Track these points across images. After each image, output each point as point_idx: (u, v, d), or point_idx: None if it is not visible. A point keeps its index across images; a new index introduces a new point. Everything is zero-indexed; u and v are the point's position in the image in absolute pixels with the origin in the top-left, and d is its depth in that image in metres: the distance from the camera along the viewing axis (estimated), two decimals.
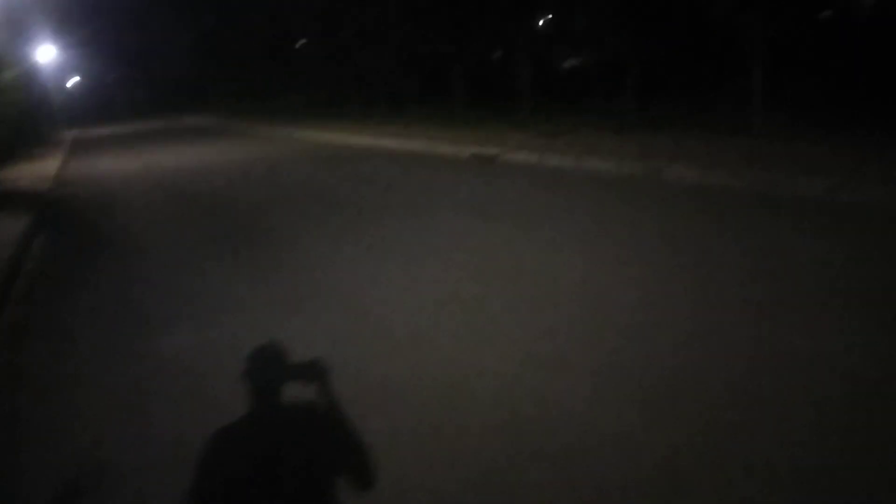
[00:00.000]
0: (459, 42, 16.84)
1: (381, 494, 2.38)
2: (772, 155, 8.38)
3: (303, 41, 31.85)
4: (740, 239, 5.50)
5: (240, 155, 16.94)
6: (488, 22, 16.09)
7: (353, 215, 7.68)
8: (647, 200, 7.36)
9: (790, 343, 3.37)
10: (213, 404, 3.14)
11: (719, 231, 5.86)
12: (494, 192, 8.57)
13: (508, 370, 3.33)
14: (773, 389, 2.92)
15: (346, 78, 24.19)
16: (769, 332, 3.53)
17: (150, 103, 58.06)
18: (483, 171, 10.48)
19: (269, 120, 29.80)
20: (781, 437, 2.54)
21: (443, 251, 5.81)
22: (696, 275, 4.61)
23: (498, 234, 6.30)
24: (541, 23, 16.77)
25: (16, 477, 2.77)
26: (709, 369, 3.17)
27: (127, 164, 17.02)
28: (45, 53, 37.68)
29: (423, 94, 20.12)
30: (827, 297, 4.00)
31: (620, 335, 3.66)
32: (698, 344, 3.46)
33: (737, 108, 10.71)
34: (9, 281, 5.85)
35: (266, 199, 9.27)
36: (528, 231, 6.33)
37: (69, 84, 52.65)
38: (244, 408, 2.97)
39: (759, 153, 8.57)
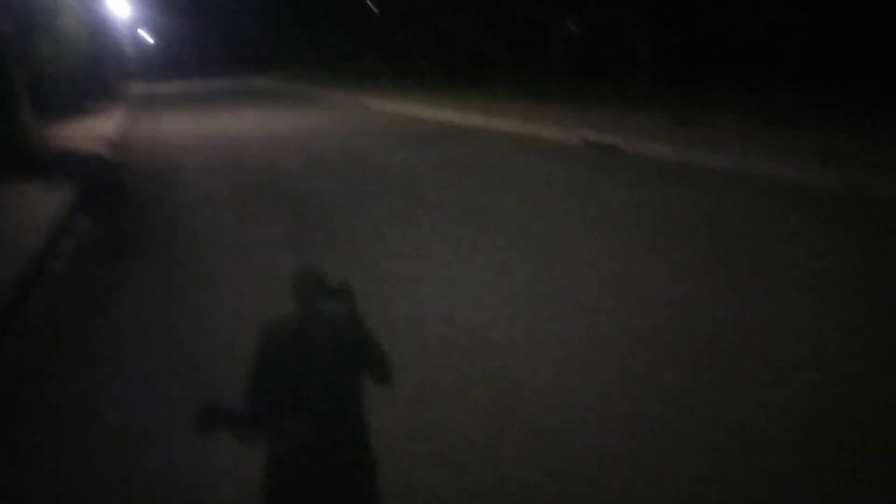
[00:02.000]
0: (560, 3, 14.70)
1: None
2: None
3: (371, 7, 30.15)
4: None
5: (311, 125, 15.38)
6: None
7: (462, 225, 5.95)
8: (876, 227, 5.40)
9: None
10: None
11: None
12: (635, 198, 6.70)
13: None
14: None
15: (425, 43, 22.31)
16: None
17: (220, 61, 57.50)
18: (604, 165, 8.60)
19: (342, 85, 28.28)
20: None
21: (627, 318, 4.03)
22: None
23: (684, 276, 4.47)
24: None
25: None
26: None
27: (191, 127, 15.68)
28: (118, 6, 36.90)
29: (514, 63, 18.06)
30: None
31: None
32: None
33: None
34: (22, 295, 4.34)
35: (347, 190, 7.62)
36: (720, 272, 4.48)
37: (140, 37, 52.28)
38: None
39: None
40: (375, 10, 31.29)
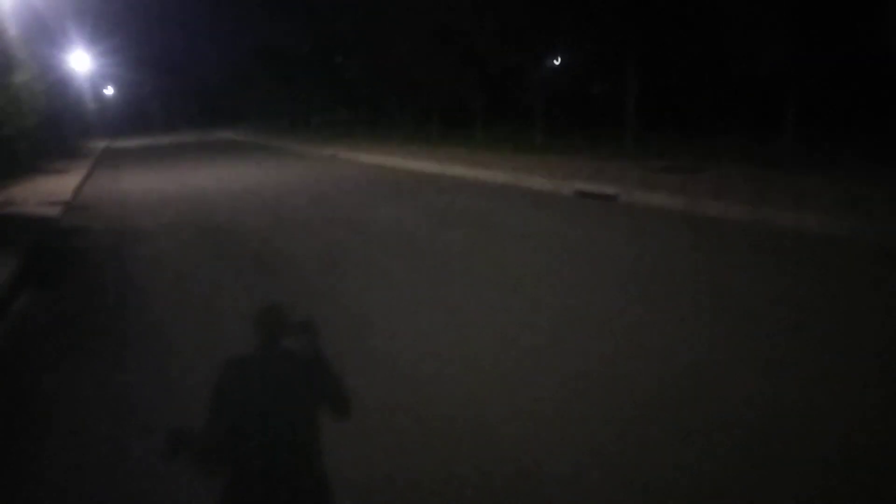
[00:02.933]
0: (535, 48, 14.32)
1: None
2: None
3: (340, 59, 29.83)
4: None
5: (284, 178, 14.62)
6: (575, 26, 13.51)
7: (471, 289, 5.19)
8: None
9: None
10: None
11: None
12: (645, 252, 6.03)
13: None
14: None
15: (398, 91, 21.87)
16: None
17: (185, 115, 56.81)
18: (603, 215, 7.98)
19: (313, 137, 27.71)
20: None
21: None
22: None
23: (729, 357, 3.74)
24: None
25: None
26: None
27: (157, 183, 14.79)
28: (79, 61, 36.05)
29: (490, 110, 17.62)
30: None
31: None
32: None
33: None
34: None
35: (331, 254, 6.83)
36: (781, 347, 3.76)
37: (101, 92, 51.39)
38: None
39: None
40: (340, 59, 31.03)
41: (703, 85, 13.40)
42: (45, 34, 23.60)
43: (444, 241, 6.92)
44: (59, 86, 24.53)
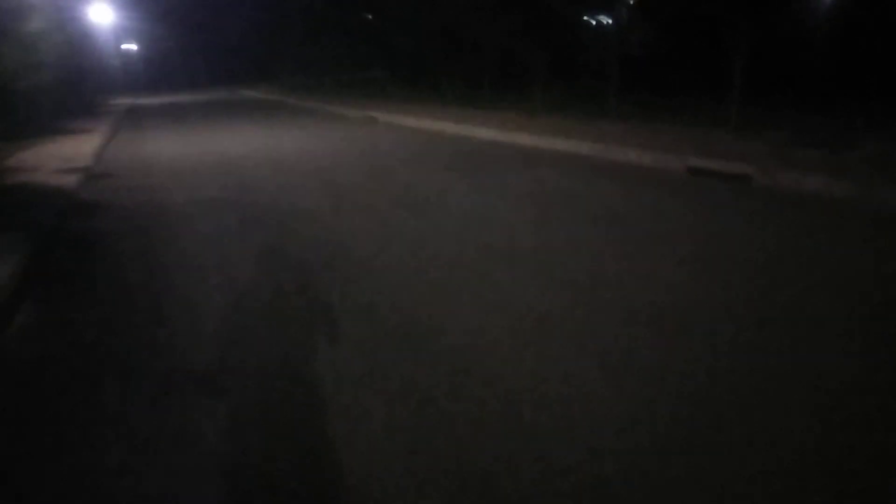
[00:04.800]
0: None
1: None
2: None
3: (369, 15, 27.86)
4: None
5: (327, 145, 13.06)
6: None
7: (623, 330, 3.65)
8: None
9: None
10: None
11: None
12: (857, 273, 4.41)
13: None
14: None
15: (440, 48, 20.04)
16: None
17: (209, 73, 55.17)
18: (744, 205, 6.40)
19: (345, 97, 26.00)
20: None
21: None
22: None
23: None
24: None
25: None
26: None
27: (183, 150, 13.30)
28: (101, 13, 34.46)
29: (553, 72, 15.78)
30: None
31: None
32: None
33: None
34: None
35: (421, 252, 5.32)
36: None
37: (124, 47, 49.78)
38: None
39: None
40: (369, 16, 29.07)
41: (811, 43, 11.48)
42: None
43: (562, 244, 5.35)
44: (80, 39, 22.99)
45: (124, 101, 34.85)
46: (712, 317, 3.61)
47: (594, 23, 14.48)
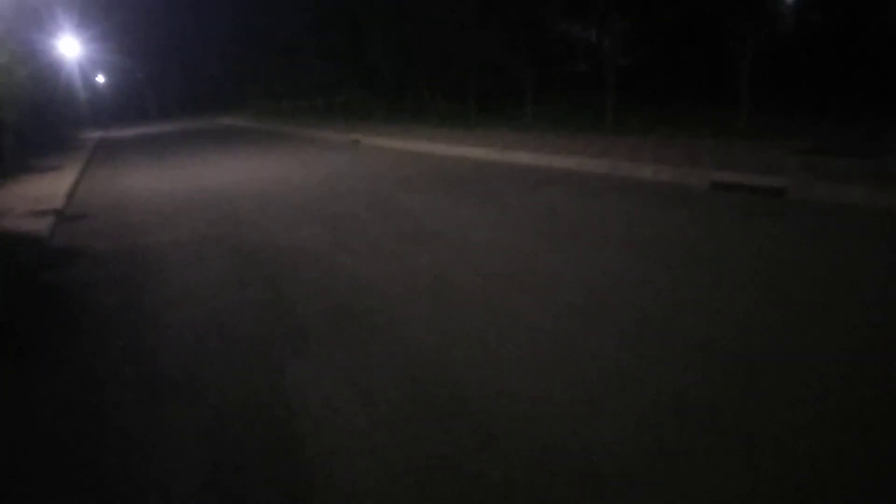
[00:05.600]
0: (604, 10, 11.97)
1: None
2: None
3: (339, 37, 27.23)
4: None
5: (314, 173, 12.41)
6: None
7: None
8: None
9: None
10: None
11: None
12: None
13: None
14: None
15: (425, 69, 19.53)
16: None
17: (179, 102, 54.33)
18: (786, 223, 5.83)
19: (325, 122, 25.39)
20: None
21: None
22: None
23: None
24: None
25: None
26: None
27: (163, 181, 12.58)
28: (67, 46, 33.61)
29: (542, 88, 15.33)
30: None
31: None
32: None
33: None
34: None
35: (445, 292, 4.69)
36: None
37: (92, 79, 48.78)
38: None
39: None
40: (342, 39, 28.45)
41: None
42: (27, 16, 21.20)
43: (598, 276, 4.75)
44: (47, 72, 22.17)
45: (94, 134, 33.96)
46: (796, 356, 3.01)
47: (580, 34, 14.04)
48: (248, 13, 37.52)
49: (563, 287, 4.44)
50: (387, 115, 22.00)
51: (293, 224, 7.46)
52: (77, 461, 2.81)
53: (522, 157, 11.20)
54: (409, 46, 18.50)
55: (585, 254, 5.23)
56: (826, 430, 2.51)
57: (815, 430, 2.51)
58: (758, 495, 2.20)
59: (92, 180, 13.94)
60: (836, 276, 4.24)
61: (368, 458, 2.60)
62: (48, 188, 11.89)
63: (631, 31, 10.85)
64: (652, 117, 12.34)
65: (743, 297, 3.95)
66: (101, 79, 51.89)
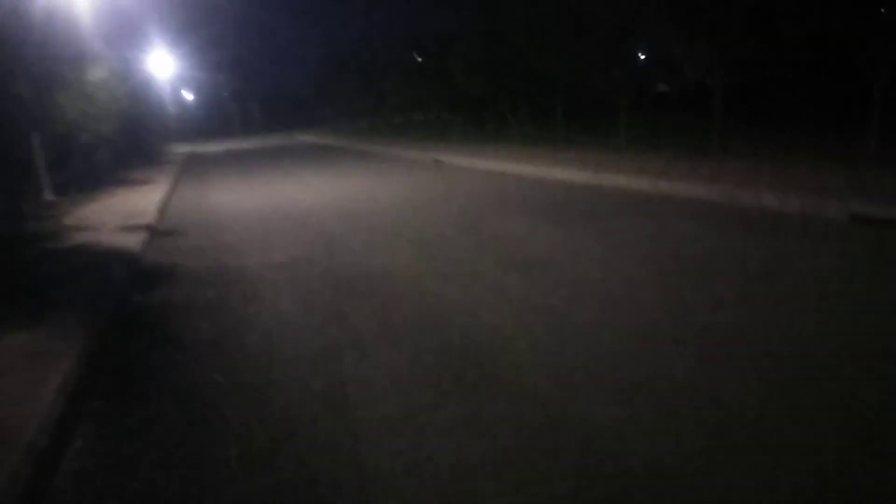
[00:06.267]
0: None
1: None
2: None
3: (420, 57, 27.19)
4: None
5: (399, 192, 12.10)
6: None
7: None
8: None
9: None
10: None
11: None
12: None
13: None
14: None
15: (510, 87, 19.10)
16: None
17: (264, 119, 55.88)
18: None
19: (400, 141, 25.31)
20: None
21: None
22: None
23: None
24: None
25: None
26: None
27: (252, 198, 12.55)
28: (159, 63, 34.91)
29: (635, 107, 14.65)
30: None
31: None
32: None
33: None
34: None
35: (571, 341, 4.19)
36: None
37: (180, 95, 50.72)
38: None
39: None
40: (419, 58, 28.43)
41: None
42: (124, 33, 21.96)
43: (752, 327, 4.10)
44: (140, 88, 22.92)
45: (182, 149, 35.07)
46: None
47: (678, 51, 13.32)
48: (335, 31, 38.17)
49: (729, 348, 3.82)
50: (467, 134, 21.67)
51: (386, 248, 7.08)
52: None
53: (620, 180, 10.55)
54: (497, 63, 18.11)
55: (723, 296, 4.58)
56: None
57: None
58: None
59: (182, 195, 14.08)
60: None
61: None
62: (140, 202, 12.00)
63: (745, 50, 10.06)
64: (761, 141, 11.48)
65: None
66: (189, 95, 53.95)
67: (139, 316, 5.33)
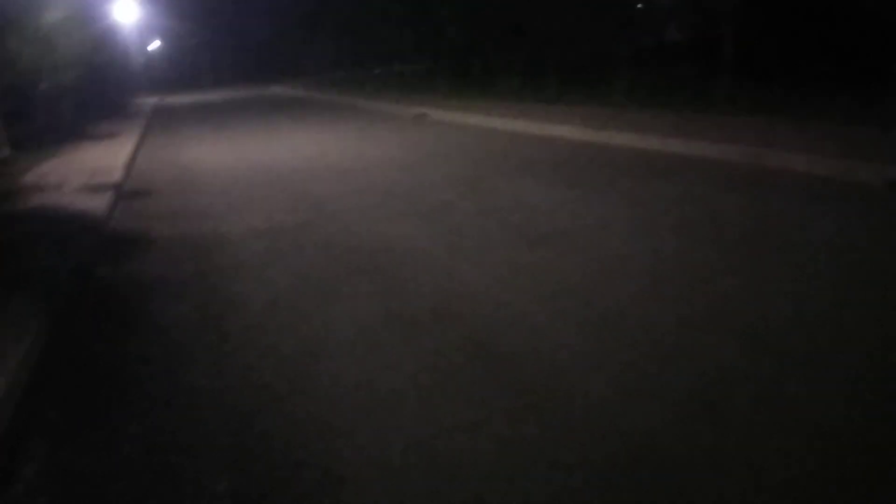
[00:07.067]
0: None
1: None
2: None
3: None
4: None
5: (387, 150, 11.31)
6: None
7: None
8: None
9: None
10: None
11: None
12: None
13: None
14: None
15: (497, 38, 18.15)
16: None
17: (234, 69, 53.87)
18: None
19: (384, 93, 24.25)
20: None
21: None
22: None
23: None
24: None
25: None
26: None
27: (227, 155, 11.68)
28: (124, 11, 33.07)
29: (636, 62, 13.91)
30: None
31: None
32: None
33: None
34: None
35: (612, 333, 3.60)
36: None
37: (148, 45, 48.49)
38: None
39: None
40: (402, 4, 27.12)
41: None
42: None
43: (813, 319, 3.51)
44: (103, 36, 21.48)
45: (150, 100, 33.54)
46: None
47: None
48: None
49: (780, 333, 3.24)
50: (454, 87, 20.71)
51: (381, 215, 6.38)
52: None
53: (626, 138, 9.88)
54: (480, 13, 17.12)
55: (787, 280, 3.99)
56: None
57: None
58: None
59: (151, 150, 13.13)
60: None
61: None
62: (105, 158, 11.08)
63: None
64: (771, 97, 10.85)
65: None
66: (155, 44, 51.69)
67: (105, 296, 4.61)
